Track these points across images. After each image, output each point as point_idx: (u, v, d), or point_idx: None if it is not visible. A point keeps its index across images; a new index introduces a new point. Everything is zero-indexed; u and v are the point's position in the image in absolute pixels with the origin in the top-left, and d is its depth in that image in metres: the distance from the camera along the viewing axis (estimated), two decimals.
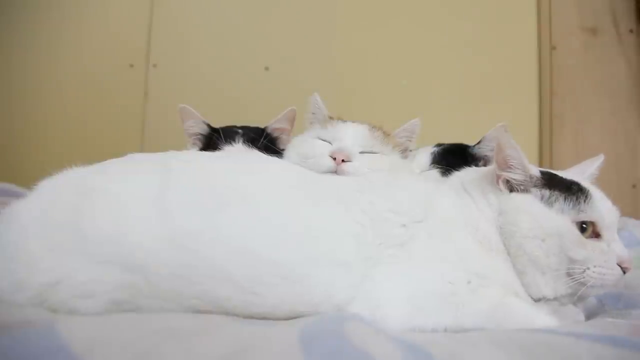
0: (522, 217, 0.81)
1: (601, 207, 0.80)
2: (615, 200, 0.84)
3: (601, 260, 0.77)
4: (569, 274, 0.78)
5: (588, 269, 0.77)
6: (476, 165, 1.01)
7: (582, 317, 0.85)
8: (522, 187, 0.84)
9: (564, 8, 2.11)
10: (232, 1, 2.17)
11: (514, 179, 0.84)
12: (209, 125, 1.27)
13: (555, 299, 0.80)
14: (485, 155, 1.13)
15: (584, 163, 0.93)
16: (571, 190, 0.81)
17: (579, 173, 0.90)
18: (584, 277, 0.77)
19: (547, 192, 0.82)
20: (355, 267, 0.76)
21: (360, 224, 0.80)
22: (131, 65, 2.12)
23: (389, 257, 0.78)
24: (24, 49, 2.10)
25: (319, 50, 2.14)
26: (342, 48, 2.14)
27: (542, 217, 0.80)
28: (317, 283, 0.74)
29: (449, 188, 0.91)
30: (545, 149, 2.07)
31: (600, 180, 0.91)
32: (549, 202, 0.81)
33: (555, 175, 0.86)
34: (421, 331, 0.71)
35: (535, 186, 0.83)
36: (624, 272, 0.78)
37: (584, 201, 0.80)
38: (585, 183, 0.84)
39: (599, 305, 0.91)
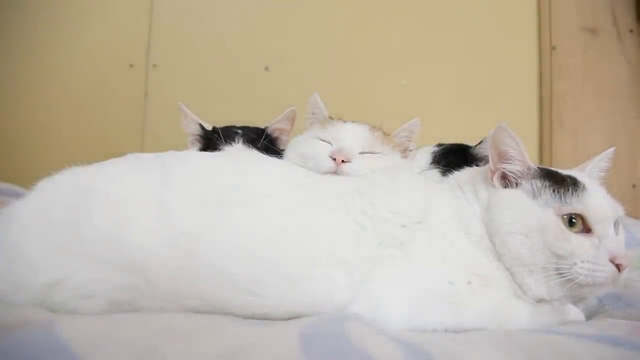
0: (506, 212, 0.80)
1: (591, 200, 0.77)
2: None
3: (589, 255, 0.74)
4: (557, 271, 0.74)
5: (575, 264, 0.73)
6: (477, 166, 1.01)
7: (582, 317, 0.85)
8: (516, 182, 0.82)
9: (564, 8, 2.11)
10: (232, 1, 2.17)
11: (511, 171, 0.82)
12: (201, 126, 1.27)
13: (553, 299, 0.78)
14: (487, 156, 1.12)
15: (594, 158, 0.89)
16: (560, 182, 0.79)
17: (585, 168, 0.88)
18: (572, 274, 0.73)
19: (538, 184, 0.80)
20: (356, 268, 0.76)
21: (360, 224, 0.80)
22: (131, 65, 2.12)
23: (389, 257, 0.77)
24: (24, 48, 2.10)
25: (319, 50, 2.14)
26: (342, 48, 2.14)
27: (525, 211, 0.78)
28: (317, 283, 0.74)
29: (447, 188, 0.91)
30: (545, 149, 2.07)
31: (600, 180, 0.90)
32: (536, 196, 0.79)
33: (550, 169, 0.85)
34: (421, 331, 0.71)
35: (533, 177, 0.81)
36: (619, 270, 0.74)
37: (572, 194, 0.77)
38: (581, 177, 0.82)
39: (599, 305, 0.90)
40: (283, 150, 1.20)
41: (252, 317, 0.72)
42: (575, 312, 0.84)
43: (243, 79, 2.11)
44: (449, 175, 0.99)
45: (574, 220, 0.77)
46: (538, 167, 0.83)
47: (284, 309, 0.73)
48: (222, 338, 0.57)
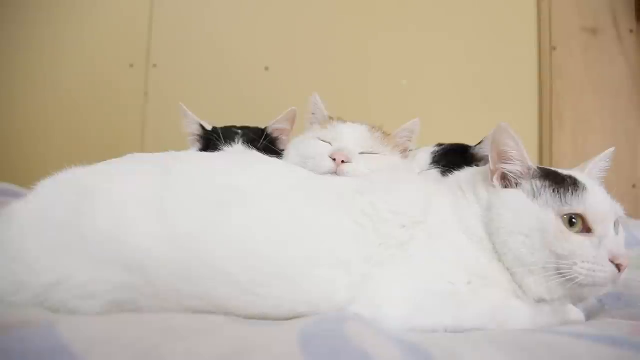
0: (506, 213, 0.80)
1: (591, 200, 0.77)
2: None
3: (589, 255, 0.74)
4: (557, 271, 0.74)
5: (575, 264, 0.74)
6: (477, 166, 1.01)
7: (582, 317, 0.85)
8: (516, 182, 0.83)
9: (564, 8, 2.11)
10: (233, 1, 2.17)
11: (511, 172, 0.83)
12: (202, 126, 1.27)
13: (553, 299, 0.78)
14: (487, 156, 1.12)
15: (594, 158, 0.90)
16: (561, 183, 0.79)
17: (585, 168, 0.88)
18: (572, 274, 0.73)
19: (538, 184, 0.80)
20: (356, 267, 0.76)
21: (361, 224, 0.79)
22: (131, 65, 2.12)
23: (390, 257, 0.78)
24: (25, 48, 2.11)
25: (319, 50, 2.14)
26: (342, 48, 2.14)
27: (525, 211, 0.78)
28: (317, 283, 0.74)
29: (447, 188, 0.91)
30: (545, 149, 2.07)
31: (600, 180, 0.90)
32: (536, 196, 0.79)
33: (550, 169, 0.85)
34: (421, 331, 0.71)
35: (533, 178, 0.81)
36: (619, 270, 0.74)
37: (572, 194, 0.77)
38: (581, 177, 0.82)
39: (599, 305, 0.90)
40: (283, 150, 1.20)
41: (252, 317, 0.72)
42: (575, 312, 0.84)
43: (243, 79, 2.11)
44: (449, 175, 0.99)
45: (574, 220, 0.77)
46: (538, 167, 0.84)
47: (284, 309, 0.73)
48: (222, 338, 0.57)
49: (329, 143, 1.05)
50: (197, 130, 1.28)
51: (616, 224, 0.79)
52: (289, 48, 2.14)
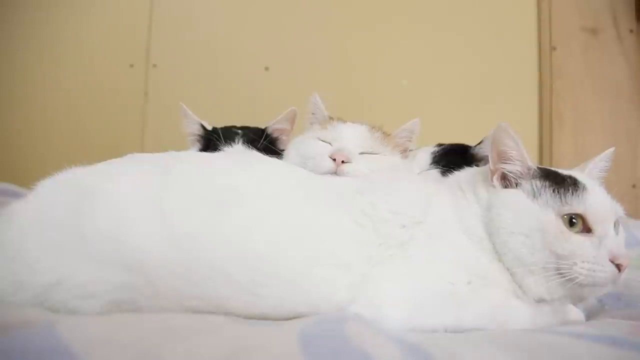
0: (506, 213, 0.80)
1: (591, 200, 0.77)
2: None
3: (590, 255, 0.74)
4: (557, 271, 0.74)
5: (575, 264, 0.74)
6: (477, 166, 1.01)
7: (582, 317, 0.85)
8: (516, 182, 0.83)
9: (564, 8, 2.11)
10: (232, 1, 2.17)
11: (511, 172, 0.83)
12: (203, 126, 1.27)
13: (553, 299, 0.78)
14: (487, 156, 1.12)
15: (594, 158, 0.90)
16: (561, 183, 0.79)
17: (585, 168, 0.88)
18: (572, 274, 0.73)
19: (538, 184, 0.80)
20: (356, 268, 0.76)
21: (361, 224, 0.79)
22: (131, 65, 2.12)
23: (390, 257, 0.78)
24: (25, 49, 2.10)
25: (319, 50, 2.14)
26: (342, 48, 2.14)
27: (525, 211, 0.78)
28: (317, 283, 0.74)
29: (447, 188, 0.91)
30: (545, 149, 2.07)
31: (600, 180, 0.90)
32: (536, 196, 0.79)
33: (550, 169, 0.85)
34: (421, 331, 0.71)
35: (533, 178, 0.81)
36: (619, 270, 0.74)
37: (572, 194, 0.77)
38: (581, 177, 0.82)
39: (599, 305, 0.90)
40: (283, 150, 1.20)
41: (252, 317, 0.72)
42: (575, 312, 0.84)
43: (243, 79, 2.12)
44: (449, 175, 0.99)
45: (574, 220, 0.77)
46: (538, 167, 0.84)
47: (284, 309, 0.73)
48: (222, 338, 0.57)
49: (329, 143, 1.05)
50: (197, 130, 1.28)
51: (616, 224, 0.79)
52: (289, 48, 2.14)
